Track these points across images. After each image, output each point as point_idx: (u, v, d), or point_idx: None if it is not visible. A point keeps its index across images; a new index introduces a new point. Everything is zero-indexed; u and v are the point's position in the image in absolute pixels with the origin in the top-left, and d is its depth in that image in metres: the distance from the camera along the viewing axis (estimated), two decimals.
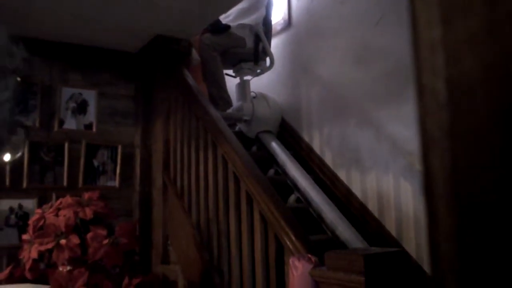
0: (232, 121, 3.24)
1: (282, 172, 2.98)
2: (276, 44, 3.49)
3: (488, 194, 0.17)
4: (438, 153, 0.18)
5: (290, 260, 1.67)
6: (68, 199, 2.06)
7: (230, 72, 3.44)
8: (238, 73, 3.38)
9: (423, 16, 0.18)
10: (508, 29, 0.16)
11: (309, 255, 1.67)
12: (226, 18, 3.35)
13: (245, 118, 3.24)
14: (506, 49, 0.16)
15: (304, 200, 2.76)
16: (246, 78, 3.37)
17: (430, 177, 0.18)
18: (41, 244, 1.93)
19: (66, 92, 2.77)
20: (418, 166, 2.34)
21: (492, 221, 0.17)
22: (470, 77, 0.16)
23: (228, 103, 3.32)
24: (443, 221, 0.18)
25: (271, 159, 3.07)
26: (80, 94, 2.80)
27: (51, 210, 2.05)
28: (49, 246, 1.91)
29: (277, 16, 3.55)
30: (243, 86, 3.33)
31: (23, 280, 1.99)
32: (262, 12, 3.36)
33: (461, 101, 0.17)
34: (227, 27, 3.31)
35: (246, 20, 3.34)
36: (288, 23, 3.46)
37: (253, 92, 3.36)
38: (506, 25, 0.16)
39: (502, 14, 0.15)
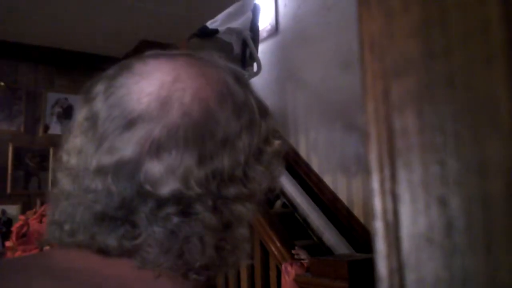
0: None
1: None
2: (263, 50, 3.50)
3: None
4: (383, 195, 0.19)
5: (283, 266, 1.70)
6: None
7: None
8: None
9: (370, 69, 0.19)
10: (442, 89, 0.17)
11: (302, 261, 1.70)
12: (213, 23, 3.35)
13: None
14: (440, 106, 0.17)
15: (290, 205, 2.77)
16: None
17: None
18: (24, 251, 1.91)
19: (52, 97, 2.75)
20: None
21: None
22: (409, 129, 0.18)
23: None
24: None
25: None
26: (66, 99, 2.79)
27: (35, 216, 2.04)
28: (33, 253, 1.89)
29: (265, 22, 3.57)
30: None
31: None
32: (249, 15, 3.37)
33: (402, 150, 0.18)
34: (215, 31, 3.31)
35: (233, 24, 3.35)
36: (275, 29, 3.48)
37: None
38: (440, 84, 0.17)
39: (438, 75, 0.17)
